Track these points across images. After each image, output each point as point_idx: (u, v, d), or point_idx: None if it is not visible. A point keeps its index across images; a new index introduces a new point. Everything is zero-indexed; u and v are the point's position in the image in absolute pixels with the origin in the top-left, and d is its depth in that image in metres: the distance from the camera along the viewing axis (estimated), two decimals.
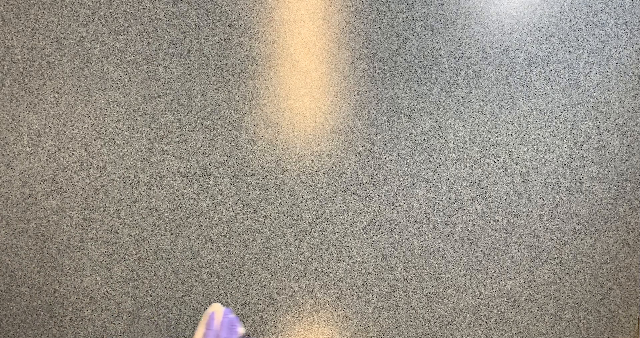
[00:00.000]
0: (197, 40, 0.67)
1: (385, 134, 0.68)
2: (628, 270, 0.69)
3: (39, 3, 0.66)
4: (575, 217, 0.69)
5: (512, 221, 0.68)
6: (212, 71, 0.67)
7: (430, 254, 0.68)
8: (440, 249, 0.68)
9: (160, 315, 0.66)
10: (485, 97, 0.69)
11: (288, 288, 0.67)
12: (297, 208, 0.68)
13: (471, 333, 0.68)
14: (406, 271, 0.68)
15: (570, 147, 0.69)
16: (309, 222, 0.68)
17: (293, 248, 0.68)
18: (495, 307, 0.68)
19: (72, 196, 0.65)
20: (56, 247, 0.65)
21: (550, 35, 0.70)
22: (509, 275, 0.68)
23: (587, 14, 0.70)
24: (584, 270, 0.69)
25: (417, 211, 0.68)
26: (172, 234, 0.67)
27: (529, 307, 0.68)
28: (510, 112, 0.69)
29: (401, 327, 0.68)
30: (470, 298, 0.68)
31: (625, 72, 0.70)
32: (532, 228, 0.69)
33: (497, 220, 0.68)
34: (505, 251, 0.68)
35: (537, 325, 0.68)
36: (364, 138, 0.68)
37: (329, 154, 0.68)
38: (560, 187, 0.69)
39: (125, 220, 0.66)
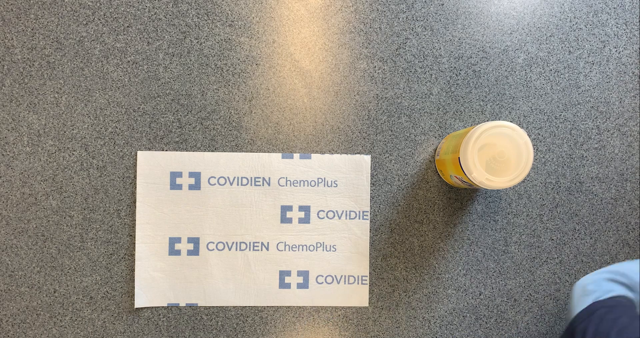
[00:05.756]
0: (197, 40, 0.67)
1: (385, 134, 0.68)
2: None
3: (39, 3, 0.66)
4: (575, 217, 0.69)
5: (512, 221, 0.68)
6: (212, 71, 0.67)
7: (430, 254, 0.68)
8: (440, 249, 0.68)
9: (160, 315, 0.66)
10: (485, 97, 0.69)
11: None
12: None
13: (471, 333, 0.68)
14: (406, 271, 0.68)
15: (570, 147, 0.69)
16: None
17: None
18: (495, 307, 0.68)
19: (72, 196, 0.65)
20: (56, 247, 0.65)
21: (550, 35, 0.70)
22: (509, 275, 0.68)
23: (587, 14, 0.70)
24: (584, 270, 0.69)
25: (417, 211, 0.68)
26: None
27: (529, 307, 0.68)
28: (510, 112, 0.69)
29: (401, 327, 0.67)
30: (470, 298, 0.68)
31: (625, 72, 0.70)
32: (532, 228, 0.69)
33: (497, 219, 0.68)
34: (505, 251, 0.68)
35: (537, 325, 0.68)
36: (364, 138, 0.68)
37: (329, 154, 0.68)
38: (560, 187, 0.69)
39: (125, 220, 0.66)
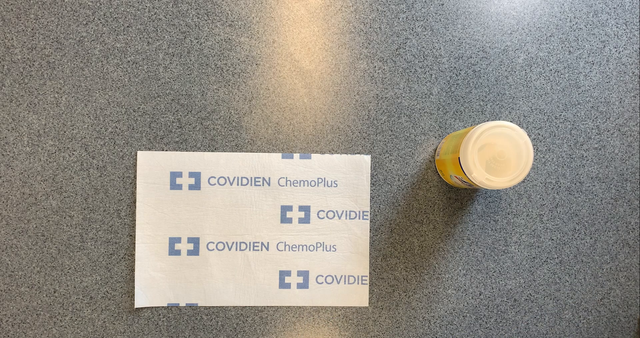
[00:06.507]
0: (197, 40, 0.67)
1: (385, 134, 0.68)
2: (628, 270, 0.69)
3: (39, 3, 0.66)
4: (575, 217, 0.69)
5: (512, 221, 0.68)
6: (212, 71, 0.67)
7: (430, 254, 0.68)
8: (440, 249, 0.68)
9: (160, 315, 0.66)
10: (485, 97, 0.69)
11: None
12: None
13: (471, 333, 0.68)
14: (406, 271, 0.68)
15: (570, 147, 0.69)
16: None
17: None
18: (495, 307, 0.68)
19: (72, 196, 0.65)
20: (56, 247, 0.65)
21: (550, 35, 0.70)
22: (509, 275, 0.68)
23: (587, 14, 0.70)
24: (584, 270, 0.69)
25: (417, 211, 0.68)
26: None
27: (529, 307, 0.68)
28: (510, 112, 0.69)
29: (401, 327, 0.68)
30: (470, 298, 0.68)
31: (625, 72, 0.70)
32: (532, 228, 0.69)
33: (497, 219, 0.68)
34: (505, 251, 0.68)
35: (537, 325, 0.68)
36: (364, 138, 0.68)
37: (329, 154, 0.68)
38: (560, 187, 0.69)
39: (125, 220, 0.66)
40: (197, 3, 0.67)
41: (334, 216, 0.67)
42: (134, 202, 0.66)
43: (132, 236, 0.66)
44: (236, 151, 0.67)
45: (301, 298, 0.67)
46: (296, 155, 0.67)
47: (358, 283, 0.67)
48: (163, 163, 0.66)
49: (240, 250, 0.66)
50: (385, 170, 0.68)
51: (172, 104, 0.67)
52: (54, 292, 0.65)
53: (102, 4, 0.66)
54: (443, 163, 0.64)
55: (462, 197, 0.68)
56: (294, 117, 0.68)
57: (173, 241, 0.66)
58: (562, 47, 0.70)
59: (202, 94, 0.67)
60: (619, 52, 0.70)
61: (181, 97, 0.67)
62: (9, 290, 0.65)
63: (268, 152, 0.67)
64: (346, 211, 0.67)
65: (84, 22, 0.66)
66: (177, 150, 0.66)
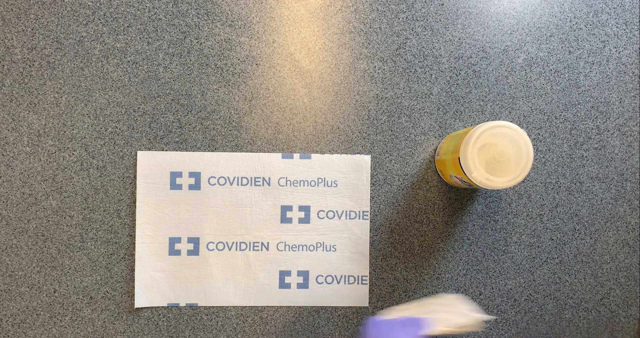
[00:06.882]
0: (197, 40, 0.67)
1: (385, 134, 0.68)
2: (628, 270, 0.69)
3: (39, 3, 0.66)
4: (575, 217, 0.69)
5: (512, 221, 0.68)
6: (212, 71, 0.67)
7: (430, 254, 0.68)
8: (440, 249, 0.68)
9: (160, 315, 0.66)
10: (485, 97, 0.69)
11: None
12: None
13: (470, 333, 0.68)
14: (406, 271, 0.68)
15: (570, 147, 0.69)
16: None
17: None
18: (495, 307, 0.68)
19: (72, 196, 0.65)
20: (56, 247, 0.65)
21: (550, 35, 0.70)
22: (509, 275, 0.68)
23: (587, 14, 0.70)
24: (584, 270, 0.69)
25: (417, 211, 0.68)
26: None
27: (529, 307, 0.68)
28: (510, 112, 0.69)
29: None
30: (470, 298, 0.68)
31: (625, 72, 0.70)
32: (532, 228, 0.69)
33: (497, 219, 0.68)
34: (505, 251, 0.68)
35: (537, 325, 0.68)
36: (364, 138, 0.68)
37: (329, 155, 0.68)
38: (560, 187, 0.69)
39: (125, 220, 0.66)
40: (197, 3, 0.67)
41: (334, 216, 0.67)
42: (134, 202, 0.66)
43: (132, 236, 0.66)
44: (236, 151, 0.67)
45: (301, 298, 0.67)
46: (296, 155, 0.67)
47: (358, 283, 0.67)
48: (163, 163, 0.66)
49: (240, 250, 0.66)
50: (385, 170, 0.68)
51: (172, 104, 0.67)
52: (54, 292, 0.65)
53: (102, 4, 0.66)
54: (443, 163, 0.64)
55: (462, 197, 0.68)
56: (294, 117, 0.68)
57: (173, 241, 0.66)
58: (562, 47, 0.69)
59: (202, 94, 0.67)
60: (619, 52, 0.70)
61: (181, 97, 0.67)
62: (9, 290, 0.65)
63: (268, 152, 0.67)
64: (346, 211, 0.67)
65: (84, 22, 0.66)
66: (177, 150, 0.66)
